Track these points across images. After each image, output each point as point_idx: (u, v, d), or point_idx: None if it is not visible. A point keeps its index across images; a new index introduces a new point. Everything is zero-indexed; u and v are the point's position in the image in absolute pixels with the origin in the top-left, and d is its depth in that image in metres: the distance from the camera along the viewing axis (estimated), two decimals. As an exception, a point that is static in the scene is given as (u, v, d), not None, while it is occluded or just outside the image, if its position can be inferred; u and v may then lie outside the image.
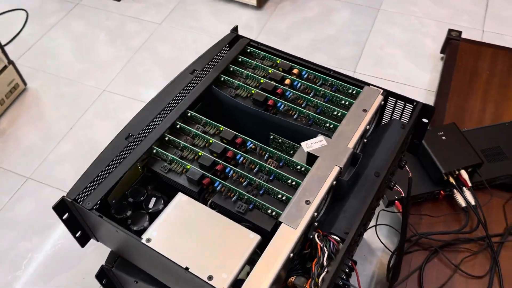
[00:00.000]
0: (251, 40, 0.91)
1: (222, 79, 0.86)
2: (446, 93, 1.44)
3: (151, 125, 0.78)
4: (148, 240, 0.65)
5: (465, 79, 1.48)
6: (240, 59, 0.89)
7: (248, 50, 0.91)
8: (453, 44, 1.58)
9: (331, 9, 1.89)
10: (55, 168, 1.40)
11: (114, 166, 0.73)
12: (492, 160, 1.20)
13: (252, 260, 0.64)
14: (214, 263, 0.63)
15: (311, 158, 0.74)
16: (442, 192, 1.16)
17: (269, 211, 0.69)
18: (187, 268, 0.62)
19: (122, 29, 1.84)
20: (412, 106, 0.81)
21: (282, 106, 0.82)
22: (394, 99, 0.83)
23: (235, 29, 0.94)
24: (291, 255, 0.64)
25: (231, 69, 0.88)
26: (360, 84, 0.83)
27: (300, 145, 0.78)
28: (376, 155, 0.78)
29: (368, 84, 0.83)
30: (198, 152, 0.76)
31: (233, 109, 0.85)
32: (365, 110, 0.79)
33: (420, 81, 1.61)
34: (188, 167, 0.74)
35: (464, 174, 1.12)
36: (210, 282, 0.61)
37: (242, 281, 0.62)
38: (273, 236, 0.66)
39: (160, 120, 0.79)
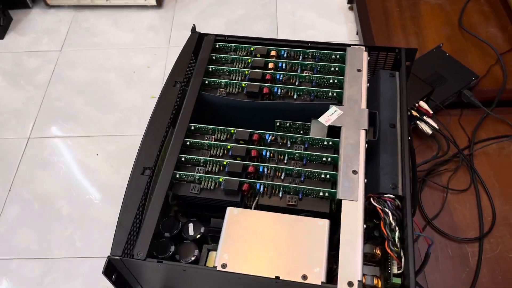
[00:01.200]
0: (216, 35, 0.87)
1: (206, 82, 0.82)
2: (371, 38, 1.51)
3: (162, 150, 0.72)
4: (224, 265, 0.61)
5: (380, 20, 1.57)
6: (214, 57, 0.85)
7: (218, 46, 0.87)
8: (359, -9, 1.66)
9: (230, -11, 1.87)
10: (13, 238, 1.24)
11: (144, 206, 0.67)
12: (437, 85, 1.29)
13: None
14: (299, 262, 0.61)
15: (333, 130, 0.74)
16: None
17: (320, 193, 0.68)
18: (277, 277, 0.60)
19: (20, 67, 1.65)
20: (394, 53, 0.84)
21: (279, 90, 0.80)
22: (376, 52, 0.85)
23: (194, 29, 0.89)
24: (364, 226, 0.64)
25: (210, 69, 0.84)
26: (341, 47, 0.84)
27: (310, 123, 0.78)
28: (381, 108, 0.80)
29: (349, 45, 0.84)
30: (222, 162, 0.72)
31: (230, 108, 0.81)
32: (359, 70, 0.80)
33: (340, 34, 1.68)
34: (220, 179, 0.70)
35: (423, 104, 1.21)
36: (307, 282, 0.59)
37: (330, 269, 0.61)
38: (332, 216, 0.66)
39: (168, 144, 0.74)
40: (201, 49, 0.85)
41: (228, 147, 0.74)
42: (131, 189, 0.68)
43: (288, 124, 0.80)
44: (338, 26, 1.70)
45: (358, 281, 0.59)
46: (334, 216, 0.67)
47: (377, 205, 0.68)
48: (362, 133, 0.72)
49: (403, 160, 0.73)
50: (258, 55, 0.85)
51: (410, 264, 0.60)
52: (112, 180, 1.34)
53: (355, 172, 0.68)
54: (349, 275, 0.59)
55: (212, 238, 0.71)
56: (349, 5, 1.73)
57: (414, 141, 1.26)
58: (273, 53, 0.85)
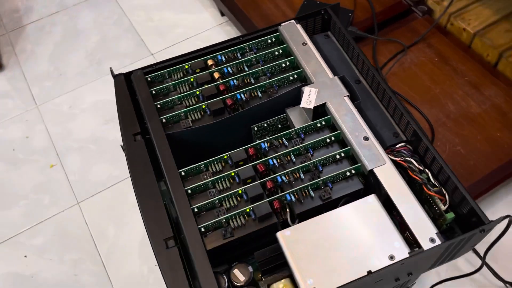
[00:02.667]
0: (143, 68, 0.77)
1: (164, 120, 0.73)
2: (242, 13, 1.50)
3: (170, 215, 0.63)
4: (315, 290, 0.56)
5: (240, -6, 1.56)
6: (154, 92, 0.76)
7: (149, 79, 0.77)
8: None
9: (72, 20, 1.68)
10: None
11: (189, 280, 0.58)
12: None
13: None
14: (377, 246, 0.59)
15: (318, 110, 0.72)
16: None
17: (347, 173, 0.66)
18: (369, 272, 0.57)
19: None
20: (321, 15, 0.84)
21: (242, 95, 0.75)
22: (304, 20, 0.83)
23: (113, 73, 0.77)
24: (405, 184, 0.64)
25: (159, 106, 0.74)
26: (271, 30, 0.81)
27: (286, 112, 0.75)
28: (337, 70, 0.80)
29: (279, 24, 0.81)
30: (237, 192, 0.65)
31: (204, 136, 0.74)
32: (304, 43, 0.78)
33: (207, 22, 1.63)
34: (247, 210, 0.64)
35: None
36: (397, 260, 0.57)
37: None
38: (368, 189, 0.65)
39: (169, 204, 0.64)
40: (136, 89, 0.75)
41: (232, 174, 0.67)
42: (167, 270, 0.58)
43: (265, 125, 0.75)
44: (201, 15, 1.65)
45: (436, 233, 0.59)
46: (366, 188, 0.66)
47: (397, 159, 0.68)
48: (347, 100, 0.71)
49: (387, 108, 0.75)
50: (198, 70, 0.78)
51: (460, 189, 0.62)
52: (61, 274, 1.16)
53: (366, 138, 0.67)
54: (425, 232, 0.59)
55: (263, 272, 0.65)
56: (199, -9, 1.68)
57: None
58: (210, 62, 0.79)
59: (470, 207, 0.61)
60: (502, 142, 1.19)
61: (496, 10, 1.38)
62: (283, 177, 0.66)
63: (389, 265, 0.57)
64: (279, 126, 0.77)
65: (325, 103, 0.71)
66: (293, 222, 0.65)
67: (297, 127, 0.72)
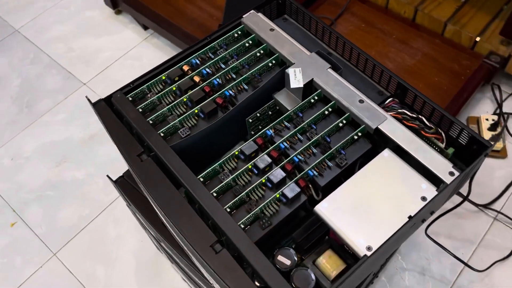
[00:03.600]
0: (121, 89, 0.75)
1: (162, 134, 0.71)
2: (166, 21, 1.48)
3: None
4: (369, 248, 0.59)
5: (159, 3, 1.54)
6: (141, 110, 0.73)
7: (131, 99, 0.75)
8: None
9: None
10: None
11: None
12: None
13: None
14: (407, 194, 0.63)
15: (307, 87, 0.74)
16: None
17: (355, 137, 0.70)
18: (410, 216, 0.61)
19: None
20: (276, 0, 0.86)
21: (230, 92, 0.75)
22: (261, 9, 0.85)
23: (90, 101, 0.74)
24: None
25: (151, 122, 0.72)
26: (235, 23, 0.83)
27: (274, 97, 0.77)
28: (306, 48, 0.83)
29: (240, 17, 0.82)
30: (260, 183, 0.66)
31: (203, 140, 0.73)
32: (272, 29, 0.80)
33: (132, 39, 1.59)
34: (277, 196, 0.65)
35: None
36: (428, 199, 0.62)
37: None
38: (374, 146, 0.69)
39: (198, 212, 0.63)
40: (122, 111, 0.72)
41: (250, 167, 0.68)
42: (226, 273, 0.58)
43: (258, 115, 0.77)
44: (123, 34, 1.61)
45: (452, 167, 0.64)
46: (375, 144, 0.70)
47: (391, 113, 0.73)
48: (331, 71, 0.75)
49: (364, 71, 0.79)
50: (176, 78, 0.77)
51: (457, 122, 0.68)
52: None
53: (361, 101, 0.71)
54: (443, 169, 0.64)
55: (304, 251, 0.66)
56: (115, 10, 1.63)
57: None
58: (186, 67, 0.78)
59: (470, 136, 0.68)
60: (441, 85, 1.30)
61: (402, -30, 1.50)
62: (299, 156, 0.68)
63: (424, 206, 0.62)
64: (270, 113, 0.78)
65: (312, 78, 0.74)
66: (318, 196, 0.68)
67: (289, 108, 0.74)
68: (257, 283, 0.59)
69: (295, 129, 0.70)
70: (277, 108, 0.79)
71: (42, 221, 1.25)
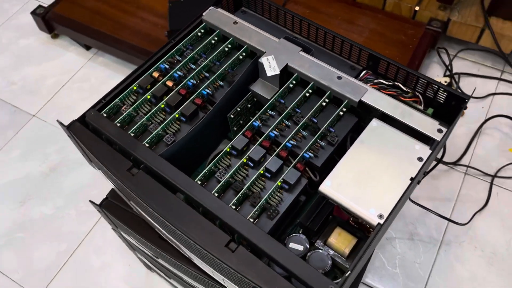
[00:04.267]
0: (92, 107, 0.71)
1: (147, 145, 0.68)
2: (113, 39, 1.44)
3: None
4: (381, 216, 0.60)
5: (95, 20, 1.49)
6: (119, 124, 0.70)
7: (106, 115, 0.71)
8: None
9: None
10: None
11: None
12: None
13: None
14: (405, 156, 0.64)
15: (282, 73, 0.74)
16: None
17: (340, 113, 0.70)
18: (412, 178, 0.62)
19: None
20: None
21: (206, 90, 0.74)
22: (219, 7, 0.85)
23: (61, 124, 0.70)
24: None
25: (133, 134, 0.69)
26: (196, 22, 0.81)
27: (251, 89, 0.76)
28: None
29: (201, 15, 0.81)
30: (259, 175, 0.65)
31: (195, 142, 0.71)
32: (235, 22, 0.80)
33: (76, 62, 1.53)
34: (279, 183, 0.64)
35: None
36: (424, 159, 0.64)
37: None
38: (360, 118, 0.70)
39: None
40: (100, 129, 0.69)
41: (245, 161, 0.67)
42: (246, 269, 0.56)
43: (239, 109, 0.75)
44: (65, 58, 1.54)
45: (439, 124, 0.67)
46: (360, 116, 0.71)
47: (368, 85, 0.74)
48: (303, 53, 0.75)
49: (333, 49, 0.80)
50: (149, 87, 0.74)
51: (433, 82, 0.70)
52: None
53: (339, 77, 0.72)
54: (430, 128, 0.66)
55: (314, 233, 0.66)
56: (51, 34, 1.56)
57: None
58: (156, 74, 0.75)
59: (448, 93, 0.70)
60: (392, 57, 1.33)
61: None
62: (291, 142, 0.68)
63: (422, 166, 0.63)
64: (249, 106, 0.77)
65: (287, 64, 0.74)
66: (316, 177, 0.68)
67: (268, 97, 0.74)
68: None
69: (281, 116, 0.70)
70: (255, 99, 0.78)
71: (18, 266, 1.17)
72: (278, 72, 0.73)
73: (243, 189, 0.64)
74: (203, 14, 0.81)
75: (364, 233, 0.67)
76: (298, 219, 0.67)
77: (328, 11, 1.45)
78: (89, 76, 1.50)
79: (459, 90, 1.33)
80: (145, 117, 0.71)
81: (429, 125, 0.66)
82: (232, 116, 0.75)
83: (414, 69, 1.31)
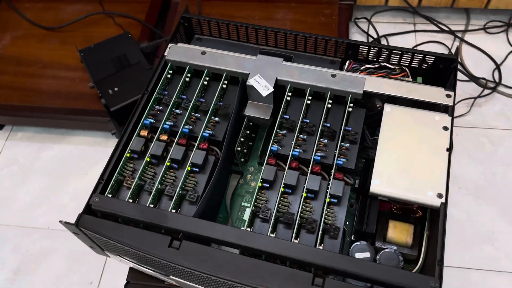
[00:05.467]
0: (92, 193, 0.62)
1: (173, 211, 0.61)
2: (32, 108, 1.29)
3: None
4: (440, 195, 0.60)
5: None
6: (131, 200, 0.62)
7: (110, 195, 0.63)
8: None
9: None
10: None
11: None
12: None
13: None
14: (431, 129, 0.65)
15: (277, 89, 0.71)
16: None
17: (349, 110, 0.69)
18: (448, 148, 0.63)
19: None
20: (182, 24, 0.80)
21: (207, 132, 0.68)
22: (174, 40, 0.78)
23: (66, 223, 0.60)
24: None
25: (152, 205, 0.62)
26: (160, 65, 0.75)
27: (245, 114, 0.72)
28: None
29: (163, 56, 0.74)
30: (304, 197, 0.62)
31: (214, 192, 0.65)
32: (203, 52, 0.74)
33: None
34: (328, 200, 0.61)
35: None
36: (449, 128, 0.65)
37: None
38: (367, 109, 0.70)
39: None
40: (113, 212, 0.60)
41: (282, 189, 0.62)
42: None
43: (242, 139, 0.71)
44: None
45: (444, 89, 0.68)
46: (365, 106, 0.71)
47: (364, 72, 0.74)
48: (287, 63, 0.72)
49: (306, 50, 0.79)
50: (143, 148, 0.67)
51: (416, 53, 0.72)
52: None
53: (333, 75, 0.70)
54: (440, 95, 0.67)
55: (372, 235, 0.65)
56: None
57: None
58: (145, 133, 0.68)
59: (435, 57, 0.72)
60: (321, 40, 1.36)
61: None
62: (318, 154, 0.65)
63: (450, 134, 0.64)
64: (247, 132, 0.73)
65: (276, 78, 0.71)
66: (350, 180, 0.66)
67: (267, 118, 0.71)
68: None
69: (296, 131, 0.67)
70: (251, 124, 0.74)
71: None
72: (272, 89, 0.70)
73: (296, 220, 0.60)
74: (165, 54, 0.74)
75: (416, 217, 0.66)
76: (355, 228, 0.64)
77: (242, 13, 1.43)
78: (14, 157, 1.33)
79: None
80: (157, 182, 0.63)
81: (437, 94, 0.67)
82: (239, 149, 0.70)
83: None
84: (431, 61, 0.73)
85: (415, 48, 1.38)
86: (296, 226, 0.59)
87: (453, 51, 1.34)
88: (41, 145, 1.34)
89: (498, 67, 1.32)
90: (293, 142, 0.66)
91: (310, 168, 0.63)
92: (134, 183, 0.63)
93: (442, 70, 0.73)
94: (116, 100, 1.15)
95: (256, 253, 0.58)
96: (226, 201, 0.71)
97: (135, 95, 1.13)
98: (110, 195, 0.62)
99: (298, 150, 0.65)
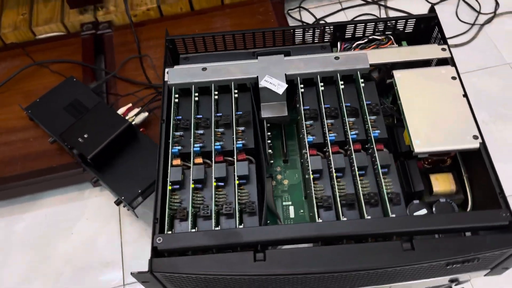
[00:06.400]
0: (153, 235, 0.59)
1: (241, 226, 0.60)
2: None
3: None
4: (475, 137, 0.64)
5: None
6: (194, 230, 0.60)
7: (170, 232, 0.60)
8: None
9: None
10: None
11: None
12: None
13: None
14: (438, 82, 0.69)
15: (288, 88, 0.72)
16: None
17: (362, 85, 0.72)
18: (464, 94, 0.68)
19: None
20: (167, 47, 0.78)
21: (240, 142, 0.67)
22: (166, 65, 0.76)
23: (140, 272, 0.56)
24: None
25: (218, 227, 0.60)
26: (165, 91, 0.72)
27: (263, 117, 0.72)
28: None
29: (164, 83, 0.72)
30: (357, 174, 0.63)
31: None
32: (204, 69, 0.73)
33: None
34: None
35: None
36: (454, 76, 0.70)
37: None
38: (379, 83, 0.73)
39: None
40: (187, 246, 0.58)
41: (335, 175, 0.64)
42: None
43: (269, 142, 0.71)
44: None
45: (438, 44, 0.73)
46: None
47: (356, 48, 0.77)
48: (288, 57, 0.74)
49: (294, 43, 0.80)
50: (182, 177, 0.64)
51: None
52: None
53: (337, 58, 0.73)
54: (438, 51, 0.73)
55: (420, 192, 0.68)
56: None
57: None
58: (176, 162, 0.66)
59: (416, 19, 0.77)
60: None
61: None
62: (352, 133, 0.67)
63: (461, 82, 0.69)
64: (269, 133, 0.73)
65: (285, 74, 0.72)
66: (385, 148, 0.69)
67: (284, 114, 0.72)
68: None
69: (323, 119, 0.68)
70: (268, 125, 0.74)
71: None
72: (286, 85, 0.71)
73: (361, 198, 0.61)
74: (166, 79, 0.72)
75: (454, 163, 0.70)
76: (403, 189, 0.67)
77: (180, 31, 1.42)
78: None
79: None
80: (212, 204, 0.61)
81: (434, 50, 0.73)
82: (271, 152, 0.70)
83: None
84: (413, 23, 0.78)
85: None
86: (362, 204, 0.61)
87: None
88: (9, 219, 1.23)
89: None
90: (326, 128, 0.67)
91: (351, 148, 0.65)
92: (190, 212, 0.61)
93: (423, 30, 0.78)
94: (90, 147, 1.08)
95: (335, 240, 0.58)
96: (269, 205, 0.71)
97: (109, 136, 1.08)
98: (170, 232, 0.60)
99: (332, 134, 0.67)
